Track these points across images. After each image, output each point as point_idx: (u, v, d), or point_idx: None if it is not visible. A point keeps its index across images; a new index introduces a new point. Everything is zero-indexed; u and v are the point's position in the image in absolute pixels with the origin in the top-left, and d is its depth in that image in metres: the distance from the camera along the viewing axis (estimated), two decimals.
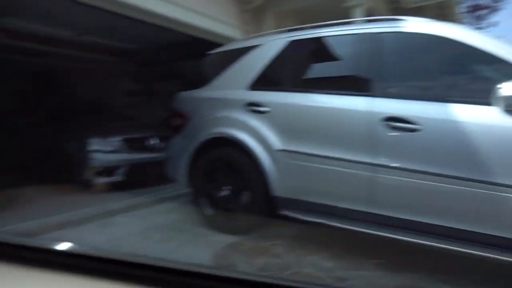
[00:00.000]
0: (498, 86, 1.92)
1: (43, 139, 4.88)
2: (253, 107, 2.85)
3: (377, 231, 2.24)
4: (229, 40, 5.05)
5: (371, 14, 5.50)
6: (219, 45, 4.72)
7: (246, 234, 2.95)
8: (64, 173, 4.54)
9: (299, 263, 2.43)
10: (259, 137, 2.76)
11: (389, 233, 2.20)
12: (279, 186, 2.67)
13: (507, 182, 1.88)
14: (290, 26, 3.28)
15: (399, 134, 2.19)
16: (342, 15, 4.82)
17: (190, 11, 4.37)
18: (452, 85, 2.36)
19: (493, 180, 1.92)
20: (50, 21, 5.42)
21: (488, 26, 16.17)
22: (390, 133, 2.22)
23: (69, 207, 3.80)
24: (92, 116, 5.50)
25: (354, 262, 2.46)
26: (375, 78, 2.42)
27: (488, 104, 1.98)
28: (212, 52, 3.57)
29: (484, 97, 1.99)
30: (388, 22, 2.62)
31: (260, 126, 2.77)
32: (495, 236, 1.90)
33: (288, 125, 2.69)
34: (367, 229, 2.29)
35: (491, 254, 1.90)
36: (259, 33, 4.16)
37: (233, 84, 3.06)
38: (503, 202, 1.92)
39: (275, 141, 2.69)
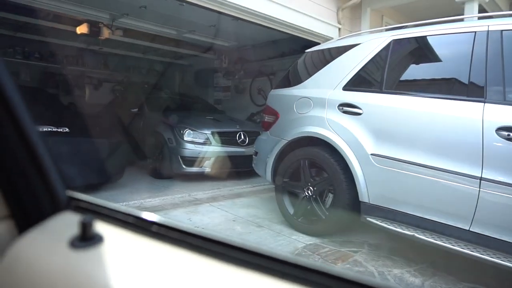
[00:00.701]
0: None
1: (144, 128, 5.40)
2: (347, 108, 2.76)
3: (474, 252, 2.02)
4: (324, 38, 4.99)
5: (484, 11, 4.94)
6: (313, 43, 4.71)
7: (327, 237, 2.90)
8: (158, 159, 4.98)
9: (380, 275, 2.31)
10: (351, 139, 2.68)
11: (489, 257, 1.97)
12: (368, 191, 2.57)
13: None
14: (387, 25, 3.10)
15: None
16: (446, 11, 4.41)
17: (287, 9, 4.41)
18: None
19: None
20: (159, 21, 5.94)
21: None
22: (504, 144, 1.96)
23: (160, 192, 4.19)
24: (188, 109, 5.92)
25: (445, 281, 2.25)
26: (491, 82, 2.15)
27: None
28: (308, 50, 3.56)
29: None
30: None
31: (353, 128, 2.68)
32: None
33: (383, 128, 2.55)
34: (462, 248, 2.08)
35: None
36: (357, 32, 4.02)
37: (327, 83, 2.99)
38: None
39: (368, 144, 2.58)
